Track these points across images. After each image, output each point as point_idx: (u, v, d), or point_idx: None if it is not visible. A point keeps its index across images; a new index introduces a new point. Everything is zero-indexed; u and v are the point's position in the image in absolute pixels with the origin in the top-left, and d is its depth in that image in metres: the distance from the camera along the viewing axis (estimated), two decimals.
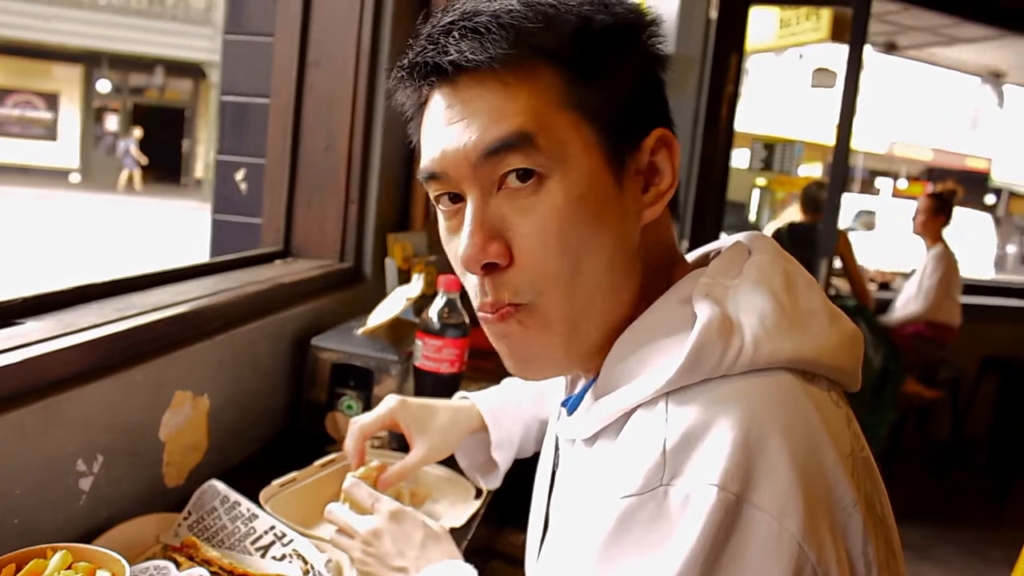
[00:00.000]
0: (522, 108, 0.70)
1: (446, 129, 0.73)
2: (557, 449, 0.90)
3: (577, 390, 0.89)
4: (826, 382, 0.72)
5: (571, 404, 0.84)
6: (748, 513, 0.59)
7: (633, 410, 0.69)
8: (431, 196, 0.79)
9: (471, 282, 0.76)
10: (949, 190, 5.10)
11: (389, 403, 1.31)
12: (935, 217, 4.92)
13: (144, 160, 21.20)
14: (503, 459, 1.32)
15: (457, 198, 0.76)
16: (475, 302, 0.77)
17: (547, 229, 0.71)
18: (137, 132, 21.47)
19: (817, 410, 0.67)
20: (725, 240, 0.83)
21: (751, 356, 0.66)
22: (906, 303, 4.93)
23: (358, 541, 1.09)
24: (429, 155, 0.75)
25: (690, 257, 0.86)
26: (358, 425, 1.29)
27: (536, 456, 1.27)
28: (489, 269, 0.73)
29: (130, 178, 20.94)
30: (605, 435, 0.73)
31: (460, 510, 1.40)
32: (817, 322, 0.71)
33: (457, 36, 0.71)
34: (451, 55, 0.71)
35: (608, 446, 0.71)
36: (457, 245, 0.75)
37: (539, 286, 0.73)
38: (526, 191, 0.71)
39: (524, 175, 0.71)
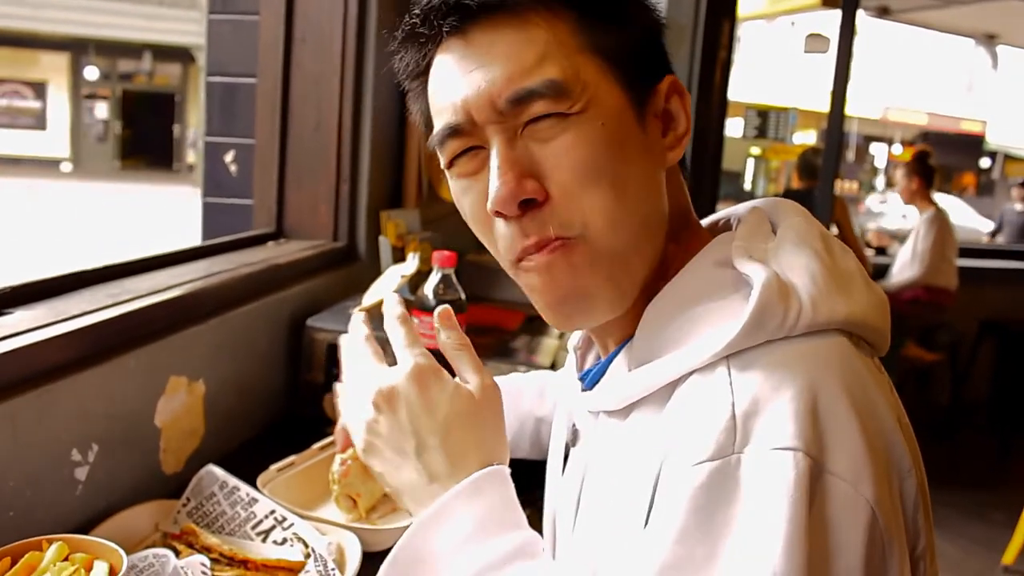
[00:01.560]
0: (543, 54, 0.70)
1: (464, 78, 0.72)
2: (573, 427, 0.88)
3: (589, 363, 0.87)
4: (867, 347, 0.71)
5: (592, 377, 0.82)
6: (825, 479, 0.58)
7: (681, 378, 0.67)
8: (445, 162, 0.78)
9: (501, 231, 0.74)
10: (920, 150, 5.08)
11: (390, 308, 1.28)
12: (911, 180, 4.90)
13: None
14: None
15: (474, 152, 0.75)
16: (510, 252, 0.74)
17: (580, 163, 0.70)
18: None
19: (870, 374, 0.67)
20: (738, 208, 0.82)
21: (811, 317, 0.65)
22: (902, 268, 4.92)
23: (368, 404, 0.80)
24: (447, 109, 0.74)
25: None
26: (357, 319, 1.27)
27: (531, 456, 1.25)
28: (525, 208, 0.71)
29: None
30: (644, 405, 0.71)
31: None
32: (857, 285, 0.71)
33: None
34: None
35: (652, 417, 0.69)
36: (475, 196, 0.74)
37: (584, 217, 0.70)
38: (555, 129, 0.70)
39: (552, 115, 0.70)
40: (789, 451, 0.58)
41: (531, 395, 1.26)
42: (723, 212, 0.84)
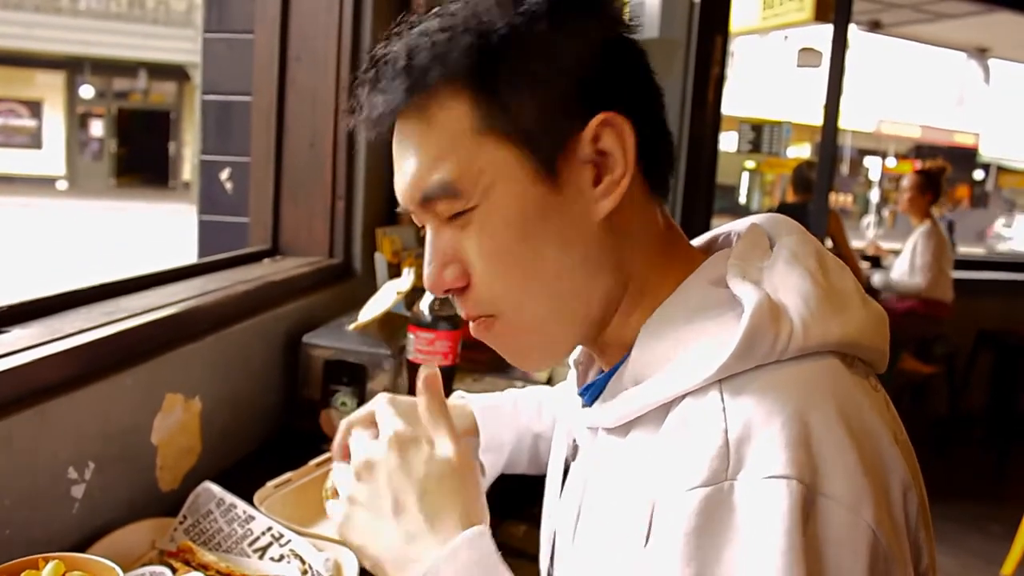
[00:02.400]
0: (439, 150, 0.72)
1: (397, 171, 0.77)
2: (573, 442, 0.88)
3: (591, 378, 0.87)
4: (863, 366, 0.71)
5: (591, 393, 0.82)
6: (822, 504, 0.58)
7: (676, 399, 0.67)
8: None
9: None
10: (937, 167, 5.09)
11: (378, 400, 1.29)
12: (922, 195, 4.92)
13: None
14: (490, 463, 1.27)
15: None
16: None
17: (486, 254, 0.74)
18: None
19: (864, 394, 0.67)
20: (737, 224, 0.82)
21: (802, 341, 0.65)
22: (900, 279, 4.92)
23: (351, 477, 0.83)
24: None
25: (696, 243, 0.85)
26: (345, 422, 1.28)
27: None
28: (453, 291, 0.77)
29: None
30: (642, 424, 0.71)
31: None
32: (853, 303, 0.70)
33: (367, 90, 0.74)
34: (364, 112, 0.74)
35: (649, 437, 0.69)
36: None
37: (495, 303, 0.76)
38: (464, 220, 0.74)
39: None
40: (782, 479, 0.58)
41: (529, 410, 1.26)
42: (723, 227, 0.84)
